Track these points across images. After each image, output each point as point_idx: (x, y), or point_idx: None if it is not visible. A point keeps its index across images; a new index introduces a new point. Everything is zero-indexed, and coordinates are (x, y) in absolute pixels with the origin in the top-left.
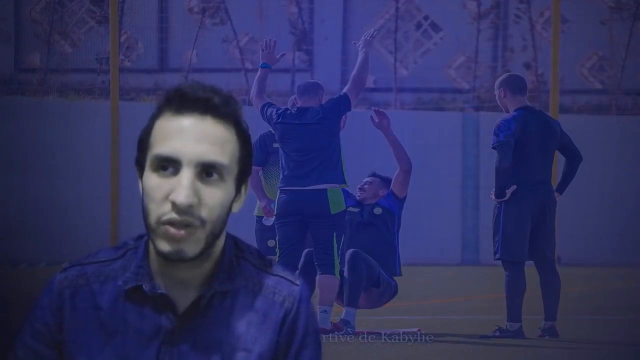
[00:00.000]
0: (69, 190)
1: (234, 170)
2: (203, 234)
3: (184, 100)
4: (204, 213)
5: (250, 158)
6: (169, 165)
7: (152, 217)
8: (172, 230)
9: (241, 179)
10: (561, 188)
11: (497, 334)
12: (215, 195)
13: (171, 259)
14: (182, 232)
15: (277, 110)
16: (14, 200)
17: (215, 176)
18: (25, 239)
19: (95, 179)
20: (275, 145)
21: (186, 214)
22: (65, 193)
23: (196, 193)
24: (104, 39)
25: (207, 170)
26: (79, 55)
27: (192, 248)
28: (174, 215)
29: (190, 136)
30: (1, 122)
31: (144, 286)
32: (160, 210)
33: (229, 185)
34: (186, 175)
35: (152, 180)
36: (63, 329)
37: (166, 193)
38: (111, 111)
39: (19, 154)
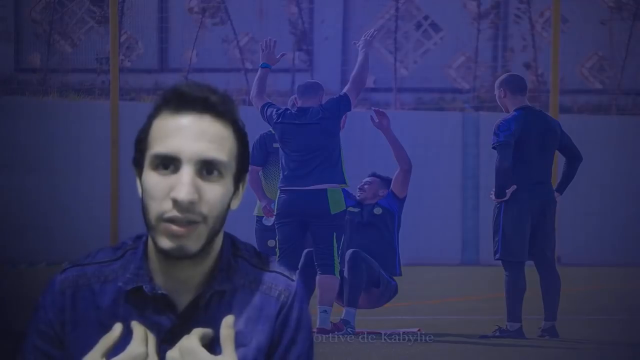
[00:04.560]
0: (69, 190)
1: (232, 168)
2: (205, 230)
3: (181, 100)
4: (205, 209)
5: (247, 155)
6: (169, 163)
7: (153, 215)
8: (173, 227)
9: (239, 176)
10: (561, 188)
11: (497, 334)
12: (215, 192)
13: (173, 256)
14: (183, 229)
15: (277, 110)
16: (14, 200)
17: (215, 173)
18: (25, 239)
19: (95, 179)
20: (275, 145)
21: (188, 211)
22: (65, 193)
23: (197, 190)
24: (104, 39)
25: (207, 168)
26: (79, 55)
27: (193, 244)
28: (175, 213)
29: (189, 134)
30: (1, 122)
31: (144, 287)
32: (161, 207)
33: (228, 182)
34: (186, 172)
35: (152, 179)
36: (65, 328)
37: (167, 191)
38: (111, 111)
39: (19, 154)
